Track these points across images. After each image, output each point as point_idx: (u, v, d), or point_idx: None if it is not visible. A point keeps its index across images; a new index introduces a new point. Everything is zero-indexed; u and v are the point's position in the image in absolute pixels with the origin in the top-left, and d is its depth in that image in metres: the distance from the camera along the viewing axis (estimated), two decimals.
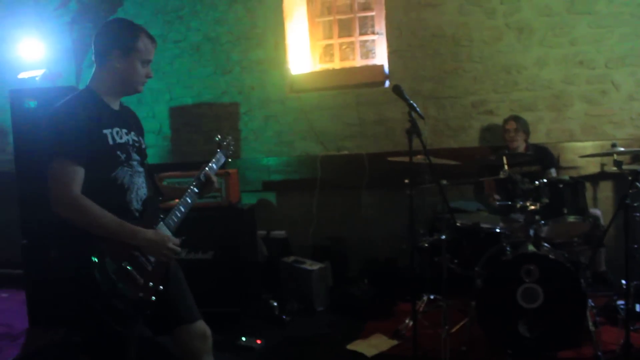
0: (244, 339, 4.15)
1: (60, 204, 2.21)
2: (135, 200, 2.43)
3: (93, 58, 2.45)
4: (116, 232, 2.24)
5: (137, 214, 2.42)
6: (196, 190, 2.66)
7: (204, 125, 6.06)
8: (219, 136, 3.06)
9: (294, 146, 5.81)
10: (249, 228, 4.81)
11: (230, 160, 3.05)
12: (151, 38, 2.48)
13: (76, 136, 2.23)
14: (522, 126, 4.88)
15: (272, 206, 5.87)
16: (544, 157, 4.85)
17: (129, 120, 2.56)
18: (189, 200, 2.60)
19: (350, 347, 4.05)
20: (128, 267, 2.24)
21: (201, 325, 2.60)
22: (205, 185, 2.71)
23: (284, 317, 4.60)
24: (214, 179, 2.74)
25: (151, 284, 2.32)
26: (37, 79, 4.94)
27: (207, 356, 2.61)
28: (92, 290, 2.17)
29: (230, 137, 3.11)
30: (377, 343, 4.07)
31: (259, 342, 4.14)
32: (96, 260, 2.17)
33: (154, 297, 2.31)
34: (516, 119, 4.91)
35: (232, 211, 4.72)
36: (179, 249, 2.41)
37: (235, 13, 5.91)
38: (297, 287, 4.94)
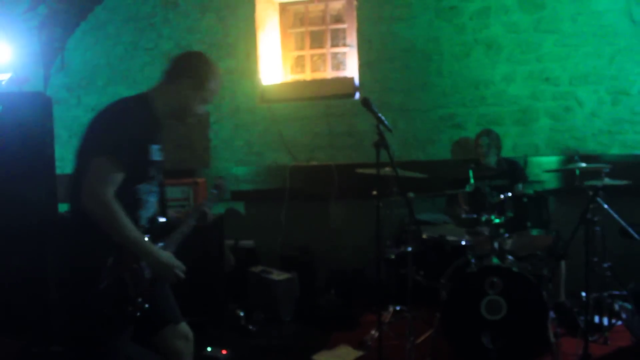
0: (209, 349, 4.10)
1: (94, 199, 2.20)
2: (144, 217, 2.46)
3: (164, 72, 2.55)
4: (134, 243, 2.27)
5: (142, 231, 2.42)
6: (194, 222, 2.71)
7: (173, 134, 6.01)
8: (220, 177, 3.11)
9: (264, 156, 5.81)
10: (216, 237, 4.78)
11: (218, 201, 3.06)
12: (218, 83, 2.59)
13: (130, 143, 2.29)
14: (494, 141, 4.93)
15: (240, 216, 5.85)
16: (513, 171, 4.91)
17: (163, 139, 2.60)
18: (186, 231, 2.66)
19: (315, 357, 4.05)
20: (126, 279, 2.30)
21: (185, 327, 2.65)
22: (200, 218, 2.77)
23: (250, 327, 4.59)
24: (209, 214, 2.83)
25: (140, 300, 2.36)
26: (2, 83, 4.86)
27: (188, 358, 2.65)
28: (97, 294, 2.24)
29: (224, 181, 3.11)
30: (342, 353, 4.08)
31: (224, 352, 4.10)
32: (109, 265, 2.25)
33: (139, 313, 2.36)
34: (488, 133, 4.96)
35: None
36: (183, 276, 2.44)
37: (207, 22, 5.90)
38: (263, 297, 4.92)
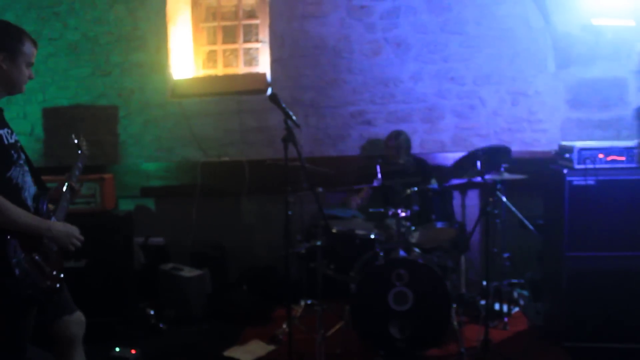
0: (117, 349, 4.01)
1: None
2: (29, 198, 2.54)
3: None
4: (27, 226, 2.37)
5: (32, 211, 2.52)
6: (68, 196, 2.86)
7: (80, 128, 5.81)
8: (77, 139, 3.13)
9: (174, 152, 5.71)
10: (124, 235, 4.66)
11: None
12: (34, 41, 2.57)
13: None
14: (404, 142, 4.99)
15: (150, 212, 5.73)
16: (423, 168, 5.04)
17: (6, 120, 2.61)
18: (67, 204, 2.81)
19: (227, 353, 4.05)
20: (37, 258, 2.41)
21: (79, 314, 2.85)
22: (72, 195, 2.91)
23: (160, 325, 4.52)
24: (77, 189, 2.97)
25: (55, 272, 2.51)
26: None
27: (79, 341, 2.85)
28: (12, 283, 2.28)
29: (84, 141, 3.18)
30: (253, 349, 4.10)
31: (133, 352, 4.02)
32: (12, 253, 2.30)
33: (58, 285, 2.52)
34: (397, 136, 5.00)
35: (107, 218, 4.57)
36: (82, 239, 2.62)
37: (116, 13, 5.72)
38: (175, 295, 4.85)
